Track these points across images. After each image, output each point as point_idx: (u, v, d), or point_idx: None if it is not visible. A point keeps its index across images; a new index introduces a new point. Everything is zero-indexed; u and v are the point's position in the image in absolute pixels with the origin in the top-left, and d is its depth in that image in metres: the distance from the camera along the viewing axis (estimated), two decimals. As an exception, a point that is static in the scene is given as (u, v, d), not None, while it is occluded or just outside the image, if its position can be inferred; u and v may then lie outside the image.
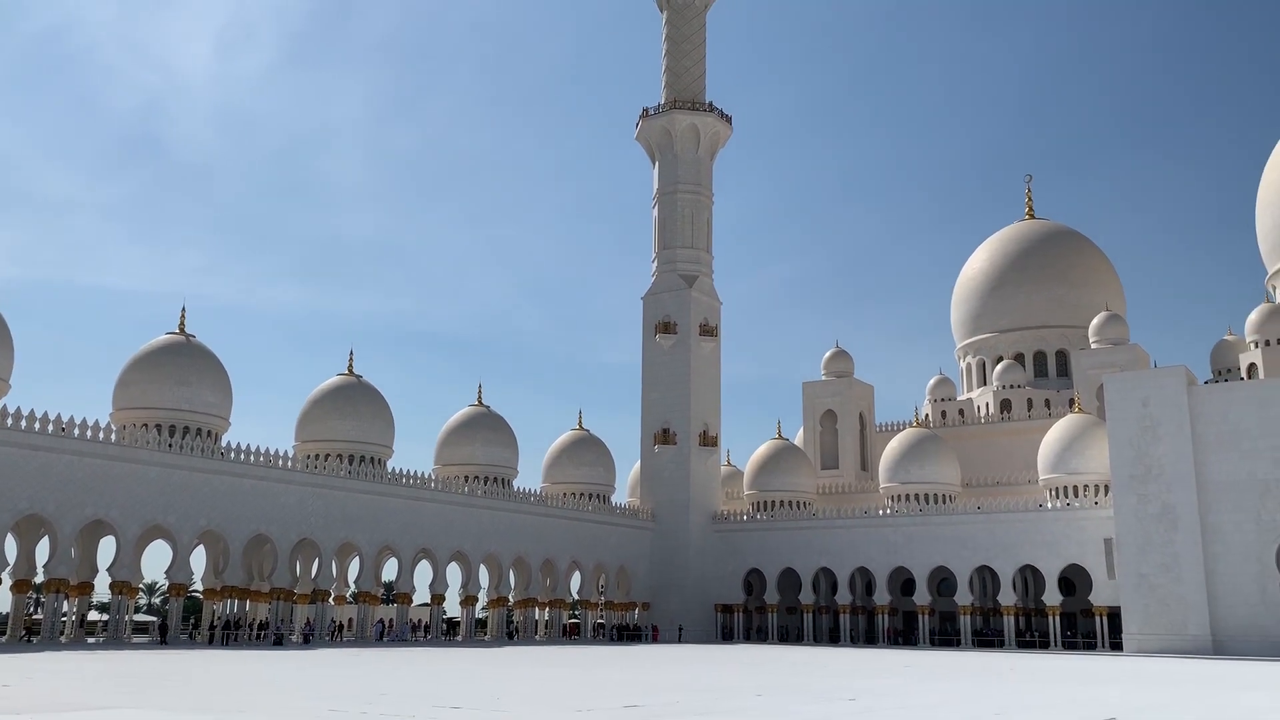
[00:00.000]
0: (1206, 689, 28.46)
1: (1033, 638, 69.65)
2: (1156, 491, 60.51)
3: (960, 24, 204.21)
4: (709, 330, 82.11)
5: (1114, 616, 63.38)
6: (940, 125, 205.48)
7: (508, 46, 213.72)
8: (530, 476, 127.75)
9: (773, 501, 80.00)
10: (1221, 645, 57.13)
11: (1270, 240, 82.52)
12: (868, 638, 76.31)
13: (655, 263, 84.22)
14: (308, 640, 57.26)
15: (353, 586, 64.85)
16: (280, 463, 56.62)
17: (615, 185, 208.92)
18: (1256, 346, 76.44)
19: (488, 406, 75.94)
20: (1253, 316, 77.53)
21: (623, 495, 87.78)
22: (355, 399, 65.79)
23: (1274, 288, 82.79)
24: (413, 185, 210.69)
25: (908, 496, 74.67)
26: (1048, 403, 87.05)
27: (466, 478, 70.92)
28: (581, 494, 78.60)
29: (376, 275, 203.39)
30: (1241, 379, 75.53)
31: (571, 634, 78.86)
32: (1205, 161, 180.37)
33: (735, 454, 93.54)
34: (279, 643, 53.95)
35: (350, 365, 67.97)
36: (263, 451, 55.93)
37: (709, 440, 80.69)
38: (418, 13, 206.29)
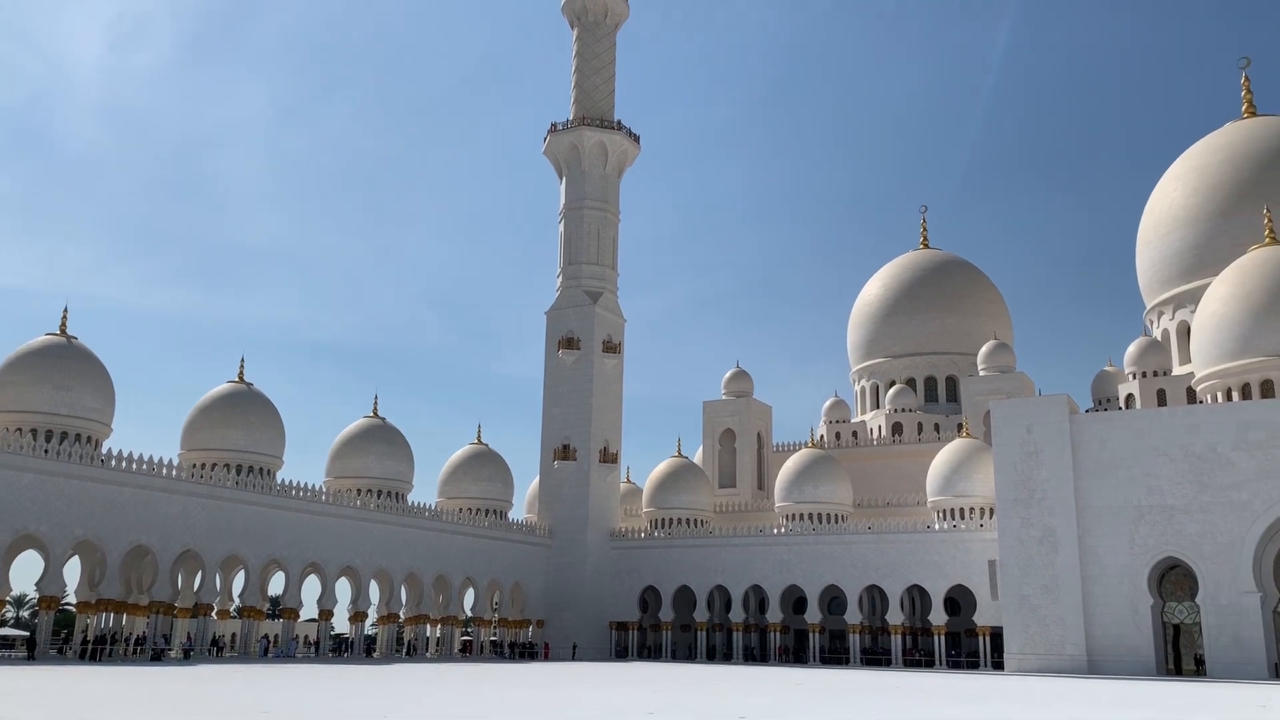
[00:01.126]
0: (1055, 707, 29.51)
1: (919, 656, 71.29)
2: (1038, 515, 62.63)
3: (862, 56, 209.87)
4: (612, 347, 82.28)
5: (996, 636, 65.33)
6: (842, 152, 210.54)
7: (414, 53, 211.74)
8: (426, 491, 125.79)
9: (670, 519, 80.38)
10: (1096, 664, 59.36)
11: (1149, 277, 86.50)
12: (760, 655, 77.11)
13: (560, 278, 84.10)
14: (188, 656, 55.28)
15: (237, 601, 62.83)
16: (164, 471, 54.58)
17: (521, 198, 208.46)
18: (1134, 378, 79.90)
19: (383, 418, 74.64)
20: (1131, 349, 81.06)
21: (520, 511, 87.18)
22: (245, 407, 63.91)
23: (1151, 322, 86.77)
24: (311, 190, 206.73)
25: (802, 516, 75.84)
26: (937, 427, 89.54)
27: (359, 491, 69.49)
28: (478, 509, 77.76)
29: (271, 281, 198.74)
30: (1120, 409, 78.86)
31: (465, 651, 77.81)
32: (1092, 199, 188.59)
33: (635, 471, 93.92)
34: (157, 658, 51.93)
35: (241, 372, 66.09)
36: (145, 459, 53.87)
37: (609, 457, 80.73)
38: (320, 15, 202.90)
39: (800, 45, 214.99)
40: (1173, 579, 61.28)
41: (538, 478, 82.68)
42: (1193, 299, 79.26)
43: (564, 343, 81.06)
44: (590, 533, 78.33)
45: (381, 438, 73.02)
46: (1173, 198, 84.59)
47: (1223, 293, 70.16)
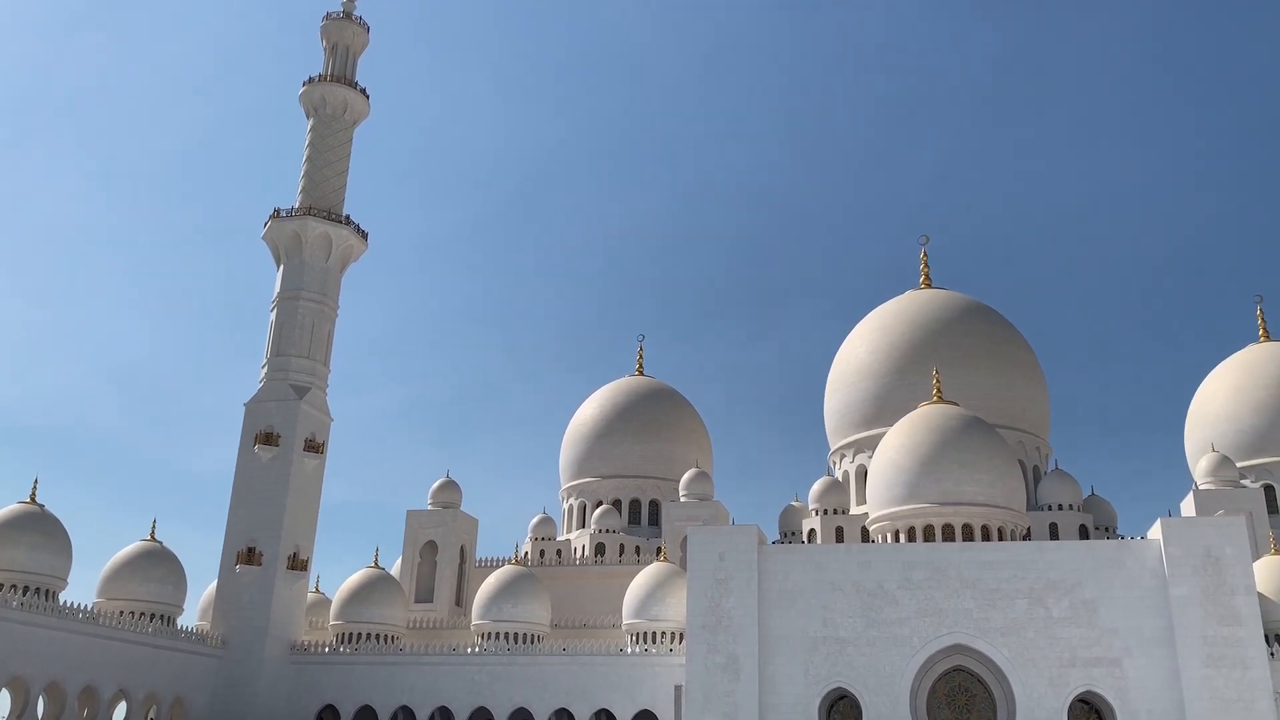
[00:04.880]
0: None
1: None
2: (724, 642, 64.73)
3: (592, 184, 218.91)
4: (315, 446, 78.48)
5: (678, 762, 66.00)
6: (567, 274, 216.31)
7: (130, 115, 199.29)
8: (84, 590, 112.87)
9: (359, 634, 76.33)
10: (767, 792, 61.10)
11: (834, 422, 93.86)
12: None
13: (266, 369, 79.85)
14: None
15: None
16: None
17: (231, 282, 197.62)
18: (817, 514, 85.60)
19: (42, 506, 66.69)
20: (815, 487, 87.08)
21: (193, 618, 79.94)
22: None
23: (834, 463, 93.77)
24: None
25: (498, 635, 74.33)
26: (638, 549, 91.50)
27: (1, 585, 61.26)
28: (143, 613, 70.52)
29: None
30: (804, 542, 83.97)
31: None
32: (791, 345, 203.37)
33: (327, 580, 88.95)
34: None
35: None
36: None
37: (299, 564, 76.03)
38: (27, 66, 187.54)
39: (535, 166, 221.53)
40: (841, 709, 64.77)
41: (216, 582, 76.39)
42: (871, 445, 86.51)
43: (262, 438, 76.50)
44: (269, 645, 72.82)
45: (36, 527, 65.05)
46: (858, 352, 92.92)
47: (895, 442, 77.06)
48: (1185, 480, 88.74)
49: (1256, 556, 65.56)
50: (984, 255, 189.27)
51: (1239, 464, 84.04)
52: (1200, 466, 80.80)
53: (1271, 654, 59.73)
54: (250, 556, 74.16)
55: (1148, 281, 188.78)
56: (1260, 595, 61.47)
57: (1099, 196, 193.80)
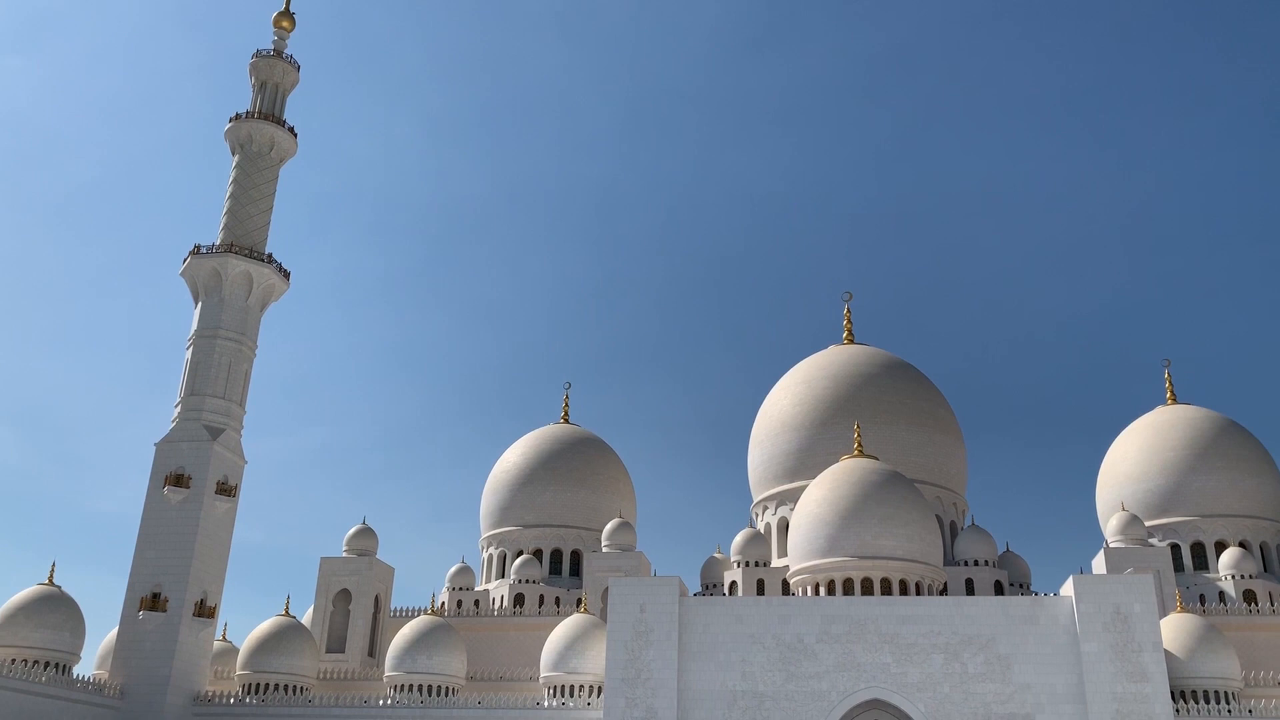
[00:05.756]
0: None
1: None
2: (643, 696, 63.93)
3: (517, 234, 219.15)
4: (227, 490, 76.24)
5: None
6: (492, 320, 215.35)
7: (40, 145, 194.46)
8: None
9: (267, 684, 73.75)
10: None
11: (758, 474, 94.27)
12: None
13: (179, 408, 77.60)
14: None
15: None
16: None
17: (145, 317, 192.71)
18: (739, 566, 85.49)
19: (-68, 547, 63.55)
20: (738, 539, 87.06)
21: (90, 667, 76.63)
22: None
23: (757, 515, 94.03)
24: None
25: (412, 687, 72.41)
26: (558, 600, 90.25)
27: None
28: (37, 661, 67.28)
29: None
30: (725, 594, 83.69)
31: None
32: (716, 397, 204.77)
33: (235, 628, 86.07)
34: None
35: None
36: None
37: (206, 611, 73.43)
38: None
39: (463, 212, 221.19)
40: (758, 764, 64.20)
41: (117, 629, 73.34)
42: (793, 498, 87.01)
43: (172, 479, 74.08)
44: (171, 695, 69.92)
45: (-76, 570, 61.90)
46: (782, 405, 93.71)
47: (817, 495, 77.61)
48: (1097, 538, 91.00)
49: (1163, 614, 67.12)
50: (906, 313, 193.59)
51: (1147, 523, 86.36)
52: (1110, 525, 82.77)
53: (1176, 710, 60.93)
54: (155, 602, 71.43)
55: (1062, 342, 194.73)
56: (1166, 652, 62.85)
57: (1017, 259, 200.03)
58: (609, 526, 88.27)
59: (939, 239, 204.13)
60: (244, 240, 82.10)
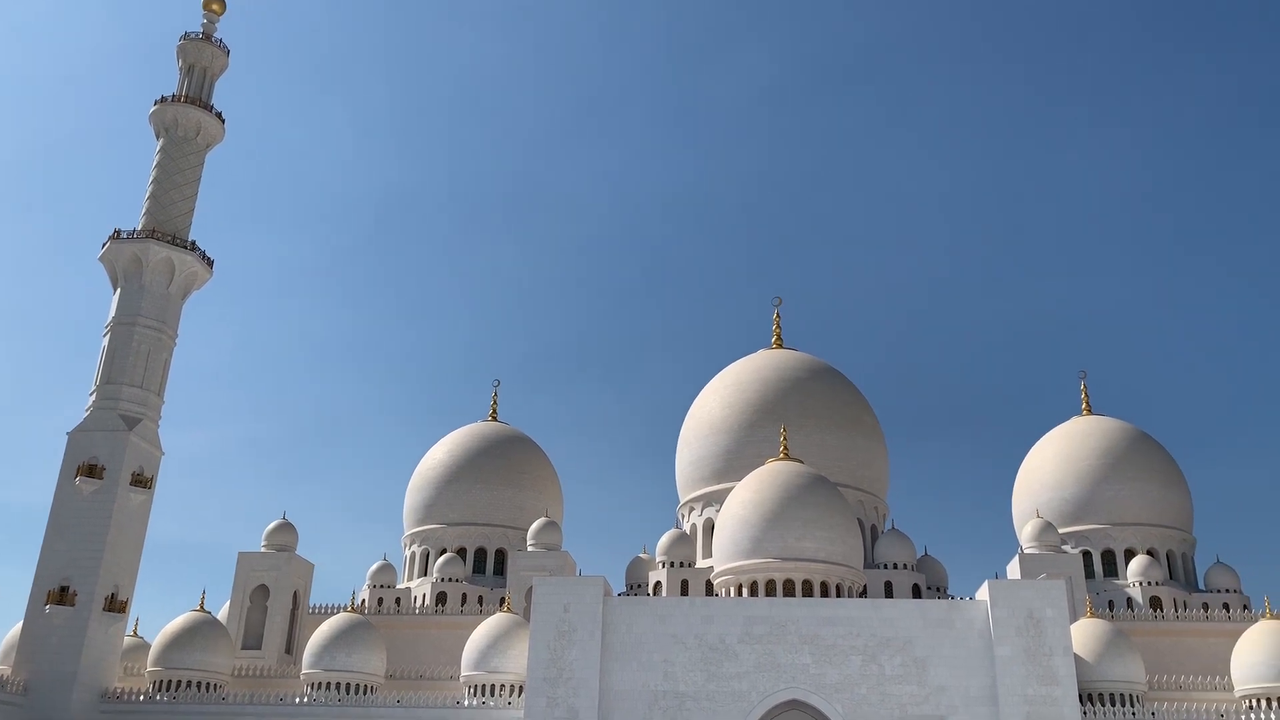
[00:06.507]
0: None
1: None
2: (565, 695, 63.79)
3: (451, 231, 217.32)
4: (143, 481, 74.29)
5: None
6: (420, 315, 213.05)
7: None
8: None
9: (179, 681, 72.00)
10: None
11: (685, 475, 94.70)
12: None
13: (94, 397, 75.44)
14: None
15: None
16: None
17: (60, 303, 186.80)
18: (664, 566, 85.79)
19: None
20: (663, 540, 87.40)
21: (-9, 662, 73.90)
22: None
23: (683, 516, 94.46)
24: None
25: (329, 685, 71.27)
26: (481, 599, 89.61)
27: None
28: (-66, 656, 64.85)
29: None
30: (649, 595, 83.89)
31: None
32: (645, 396, 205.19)
33: (147, 623, 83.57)
34: None
35: None
36: None
37: (118, 605, 71.47)
38: None
39: (393, 205, 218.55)
40: (677, 764, 64.46)
41: (20, 623, 70.97)
42: (719, 499, 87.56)
43: (85, 469, 71.99)
44: (77, 691, 67.91)
45: None
46: (711, 407, 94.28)
47: (743, 497, 78.23)
48: (1013, 544, 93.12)
49: (1074, 619, 68.97)
50: (835, 319, 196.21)
51: (1061, 530, 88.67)
52: (1025, 531, 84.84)
53: (1084, 713, 62.66)
54: (63, 596, 69.33)
55: (984, 352, 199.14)
56: (1076, 655, 64.60)
57: (942, 270, 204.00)
58: (535, 526, 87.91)
59: (868, 248, 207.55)
60: (166, 226, 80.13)
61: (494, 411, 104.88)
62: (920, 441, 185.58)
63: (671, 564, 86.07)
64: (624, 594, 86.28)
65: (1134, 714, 63.41)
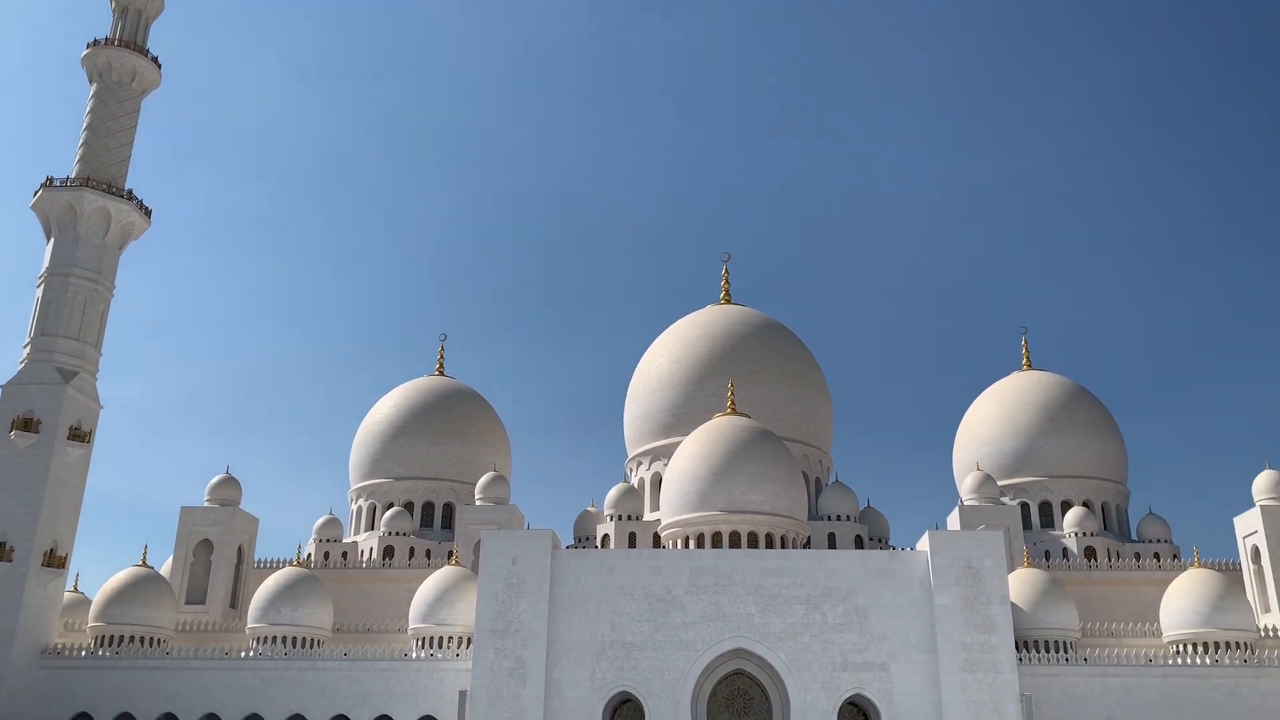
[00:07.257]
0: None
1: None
2: (513, 647, 64.31)
3: (399, 179, 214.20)
4: (81, 435, 72.91)
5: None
6: (368, 267, 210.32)
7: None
8: None
9: (121, 636, 71.34)
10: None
11: (633, 429, 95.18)
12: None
13: (28, 349, 73.66)
14: None
15: None
16: None
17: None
18: (612, 519, 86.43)
19: None
20: (611, 493, 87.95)
21: (-74, 618, 72.50)
22: None
23: (631, 470, 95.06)
24: None
25: (275, 639, 71.09)
26: (429, 553, 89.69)
27: None
28: None
29: None
30: (597, 547, 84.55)
31: None
32: (593, 350, 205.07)
33: (88, 579, 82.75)
34: None
35: None
36: None
37: (56, 561, 70.41)
38: None
39: (337, 154, 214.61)
40: (625, 713, 65.52)
41: (-43, 579, 69.61)
42: (667, 453, 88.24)
43: (20, 423, 70.44)
44: (16, 648, 67.02)
45: None
46: (659, 362, 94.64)
47: (690, 450, 78.87)
48: (953, 496, 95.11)
49: (1011, 568, 70.82)
50: (782, 275, 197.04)
51: (1000, 482, 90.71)
52: (965, 484, 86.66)
53: (1020, 659, 64.60)
54: (1, 552, 68.09)
55: (926, 307, 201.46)
56: (1013, 604, 66.43)
57: (887, 227, 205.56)
58: (482, 480, 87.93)
59: (815, 204, 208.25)
60: (102, 174, 77.95)
61: (441, 366, 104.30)
62: (864, 396, 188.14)
63: (619, 517, 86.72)
64: (572, 547, 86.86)
65: (1067, 659, 65.47)
